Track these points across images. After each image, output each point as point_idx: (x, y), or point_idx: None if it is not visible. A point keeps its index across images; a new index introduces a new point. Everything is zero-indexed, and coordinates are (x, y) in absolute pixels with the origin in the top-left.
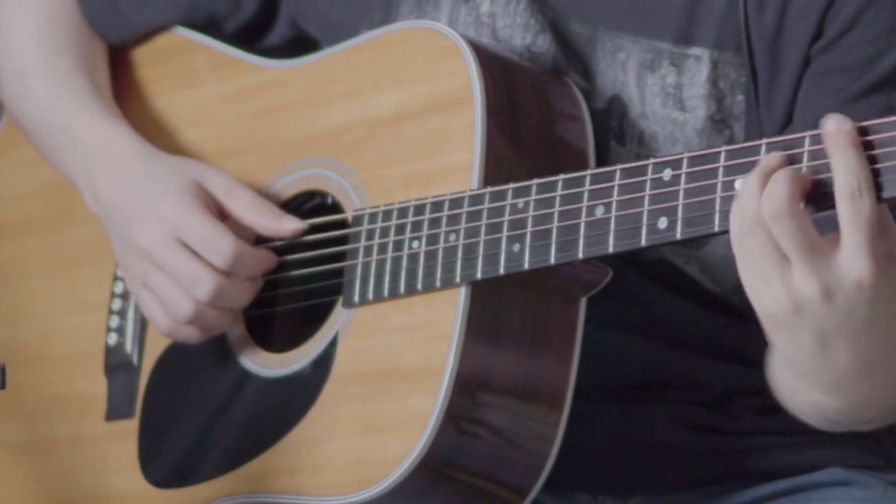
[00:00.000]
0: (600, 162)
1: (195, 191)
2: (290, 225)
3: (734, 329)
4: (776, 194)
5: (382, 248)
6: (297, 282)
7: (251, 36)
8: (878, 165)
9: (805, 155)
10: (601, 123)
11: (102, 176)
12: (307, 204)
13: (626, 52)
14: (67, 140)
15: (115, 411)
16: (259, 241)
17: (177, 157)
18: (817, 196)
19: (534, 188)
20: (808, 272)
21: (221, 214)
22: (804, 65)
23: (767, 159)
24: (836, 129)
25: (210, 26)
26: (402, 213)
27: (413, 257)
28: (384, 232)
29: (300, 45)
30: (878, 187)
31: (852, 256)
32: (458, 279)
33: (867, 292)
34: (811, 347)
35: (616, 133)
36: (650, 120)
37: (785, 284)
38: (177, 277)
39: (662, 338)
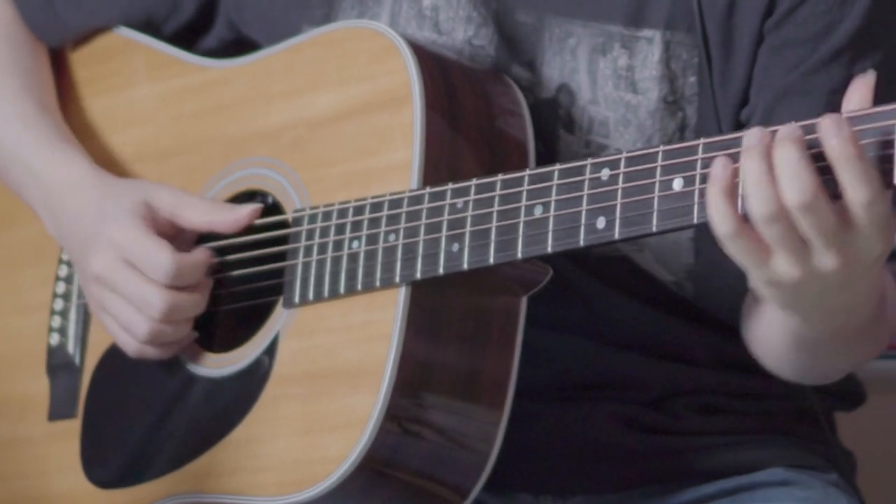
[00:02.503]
0: (550, 152)
1: (140, 210)
2: (244, 211)
3: (677, 328)
4: (805, 186)
5: (322, 249)
6: (238, 282)
7: (189, 38)
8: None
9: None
10: (548, 113)
11: (59, 207)
12: (248, 204)
13: (576, 37)
14: (22, 170)
15: (58, 411)
16: (199, 242)
17: (127, 180)
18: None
19: (473, 188)
20: (829, 252)
21: (174, 228)
22: (758, 42)
23: (756, 137)
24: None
25: (148, 28)
26: (343, 213)
27: (353, 257)
28: (324, 232)
29: (238, 48)
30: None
31: (869, 233)
32: (397, 279)
33: (877, 258)
34: (806, 300)
35: (565, 122)
36: (601, 105)
37: (804, 263)
38: (129, 299)
39: (604, 337)
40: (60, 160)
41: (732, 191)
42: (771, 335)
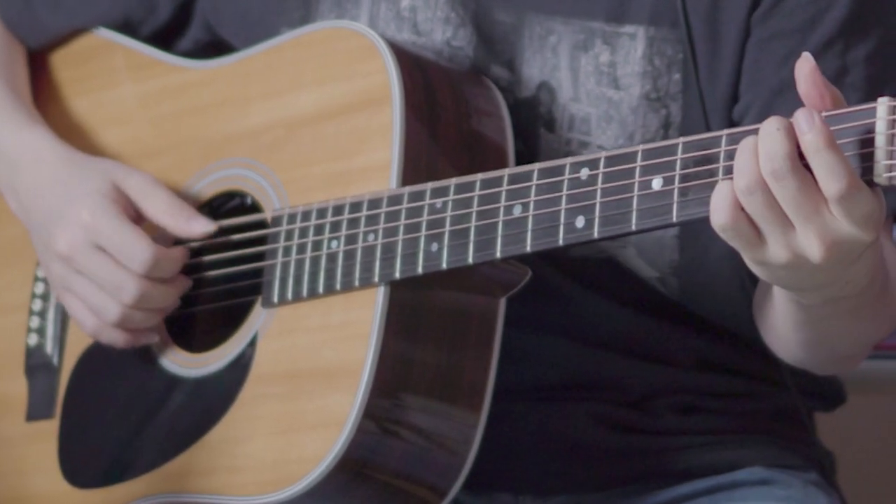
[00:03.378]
0: (531, 151)
1: (111, 194)
2: (199, 227)
3: (657, 329)
4: (776, 153)
5: (301, 248)
6: (216, 282)
7: (165, 40)
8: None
9: (721, 154)
10: (529, 112)
11: (24, 182)
12: (227, 204)
13: (556, 35)
14: None
15: (36, 412)
16: (179, 240)
17: (97, 158)
18: None
19: (452, 188)
20: (810, 233)
21: (138, 216)
22: (745, 36)
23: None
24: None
25: (126, 29)
26: (321, 213)
27: (332, 257)
28: (303, 232)
29: (212, 50)
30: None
31: (847, 218)
32: (376, 279)
33: (863, 247)
34: (802, 280)
35: (545, 120)
36: (583, 102)
37: (788, 245)
38: (100, 283)
39: (584, 338)
40: (28, 139)
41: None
42: (775, 318)
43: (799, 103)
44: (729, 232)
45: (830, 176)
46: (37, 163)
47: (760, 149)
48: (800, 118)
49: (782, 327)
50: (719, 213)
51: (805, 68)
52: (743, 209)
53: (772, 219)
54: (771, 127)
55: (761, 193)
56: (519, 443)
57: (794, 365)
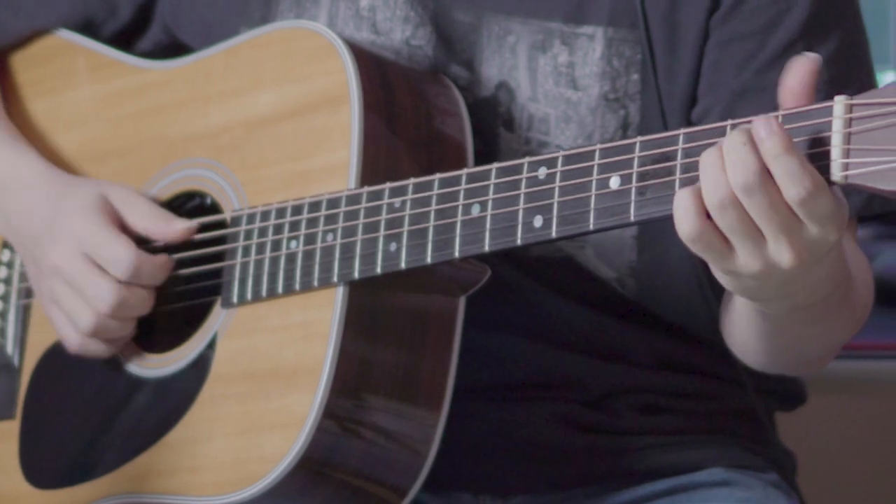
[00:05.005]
0: (490, 150)
1: (100, 204)
2: (180, 226)
3: (617, 328)
4: (747, 167)
5: (260, 249)
6: (176, 283)
7: (125, 41)
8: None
9: (679, 153)
10: (488, 112)
11: (13, 204)
12: (187, 205)
13: (515, 35)
14: None
15: None
16: (139, 242)
17: (80, 177)
18: None
19: (410, 187)
20: (782, 243)
21: (122, 226)
22: (703, 38)
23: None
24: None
25: (86, 31)
26: (280, 213)
27: (291, 257)
28: (262, 232)
29: (172, 51)
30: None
31: (817, 226)
32: (335, 278)
33: (831, 247)
34: (771, 290)
35: (504, 120)
36: (541, 102)
37: (760, 255)
38: (79, 290)
39: (544, 337)
40: (12, 158)
41: (698, 190)
42: (740, 329)
43: (760, 106)
44: (698, 244)
45: (791, 180)
46: (23, 184)
47: (728, 163)
48: (758, 126)
49: (747, 338)
50: (685, 224)
51: (807, 65)
52: (709, 218)
53: (744, 232)
54: (736, 141)
55: (733, 209)
56: (479, 442)
57: (760, 371)
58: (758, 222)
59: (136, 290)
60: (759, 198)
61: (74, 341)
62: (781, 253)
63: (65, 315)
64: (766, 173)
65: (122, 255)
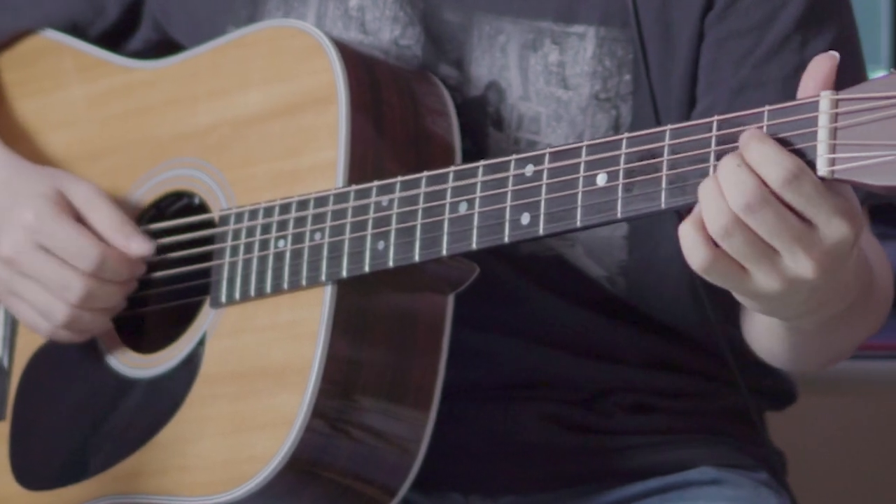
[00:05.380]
0: (479, 149)
1: (55, 197)
2: (136, 246)
3: (607, 327)
4: (745, 187)
5: (249, 248)
6: (165, 283)
7: (115, 40)
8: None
9: (666, 149)
10: (477, 111)
11: None
12: (175, 204)
13: (505, 34)
14: None
15: None
16: None
17: (41, 166)
18: None
19: (398, 185)
20: (798, 255)
21: (82, 224)
22: (698, 36)
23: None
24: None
25: (74, 31)
26: (268, 212)
27: (279, 256)
28: (250, 231)
29: (164, 49)
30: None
31: (826, 226)
32: (323, 277)
33: (850, 246)
34: (799, 306)
35: (493, 119)
36: (532, 101)
37: (778, 272)
38: (45, 283)
39: (533, 336)
40: None
41: (701, 221)
42: (766, 338)
43: (759, 102)
44: (713, 274)
45: (769, 164)
46: None
47: (725, 188)
48: (745, 139)
49: (775, 347)
50: (695, 257)
51: (829, 63)
52: (717, 246)
53: (755, 253)
54: (731, 164)
55: (739, 233)
56: (468, 442)
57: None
58: (767, 239)
59: (102, 282)
60: (762, 213)
61: (44, 329)
62: (800, 264)
63: (29, 306)
64: (764, 188)
65: (86, 247)
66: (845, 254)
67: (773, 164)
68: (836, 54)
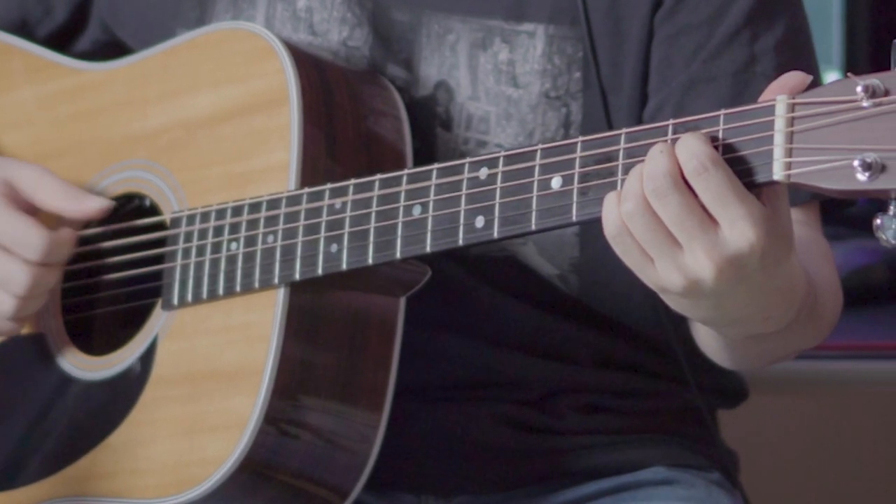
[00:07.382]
0: (427, 150)
1: (2, 189)
2: (92, 203)
3: (558, 327)
4: (656, 170)
5: (201, 250)
6: (116, 284)
7: (63, 41)
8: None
9: (621, 153)
10: (426, 111)
11: None
12: (126, 207)
13: (455, 33)
14: None
15: None
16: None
17: None
18: None
19: (351, 188)
20: (697, 253)
21: (32, 209)
22: (648, 33)
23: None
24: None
25: (22, 31)
26: (220, 214)
27: (231, 259)
28: (202, 234)
29: (113, 50)
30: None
31: (730, 229)
32: (276, 280)
33: (756, 258)
34: (708, 312)
35: (442, 119)
36: (482, 100)
37: (678, 266)
38: None
39: (485, 336)
40: None
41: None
42: (703, 334)
43: (710, 97)
44: (619, 245)
45: (687, 151)
46: None
47: (645, 171)
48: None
49: (713, 346)
50: (607, 223)
51: (799, 80)
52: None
53: (656, 240)
54: (655, 150)
55: (642, 215)
56: (421, 443)
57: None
58: (670, 227)
59: (48, 269)
60: (668, 199)
61: None
62: (699, 263)
63: None
64: (677, 178)
65: (32, 236)
66: (750, 267)
67: (690, 151)
68: (809, 77)
